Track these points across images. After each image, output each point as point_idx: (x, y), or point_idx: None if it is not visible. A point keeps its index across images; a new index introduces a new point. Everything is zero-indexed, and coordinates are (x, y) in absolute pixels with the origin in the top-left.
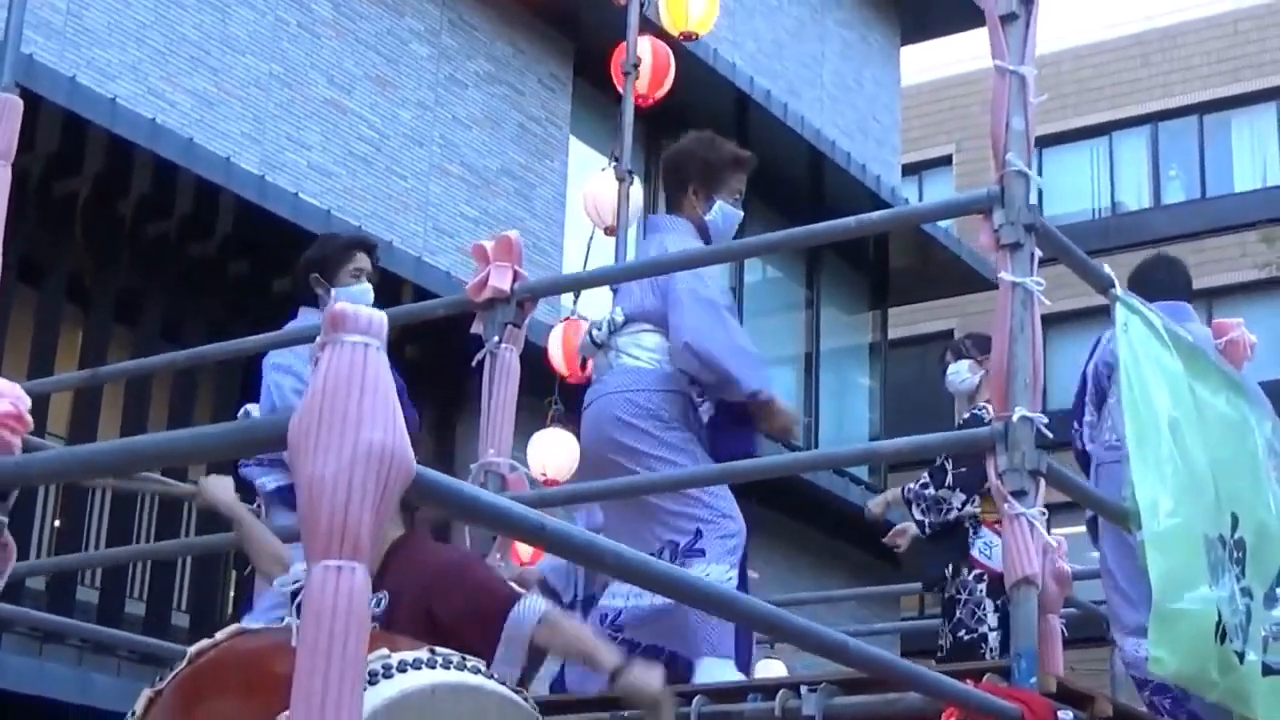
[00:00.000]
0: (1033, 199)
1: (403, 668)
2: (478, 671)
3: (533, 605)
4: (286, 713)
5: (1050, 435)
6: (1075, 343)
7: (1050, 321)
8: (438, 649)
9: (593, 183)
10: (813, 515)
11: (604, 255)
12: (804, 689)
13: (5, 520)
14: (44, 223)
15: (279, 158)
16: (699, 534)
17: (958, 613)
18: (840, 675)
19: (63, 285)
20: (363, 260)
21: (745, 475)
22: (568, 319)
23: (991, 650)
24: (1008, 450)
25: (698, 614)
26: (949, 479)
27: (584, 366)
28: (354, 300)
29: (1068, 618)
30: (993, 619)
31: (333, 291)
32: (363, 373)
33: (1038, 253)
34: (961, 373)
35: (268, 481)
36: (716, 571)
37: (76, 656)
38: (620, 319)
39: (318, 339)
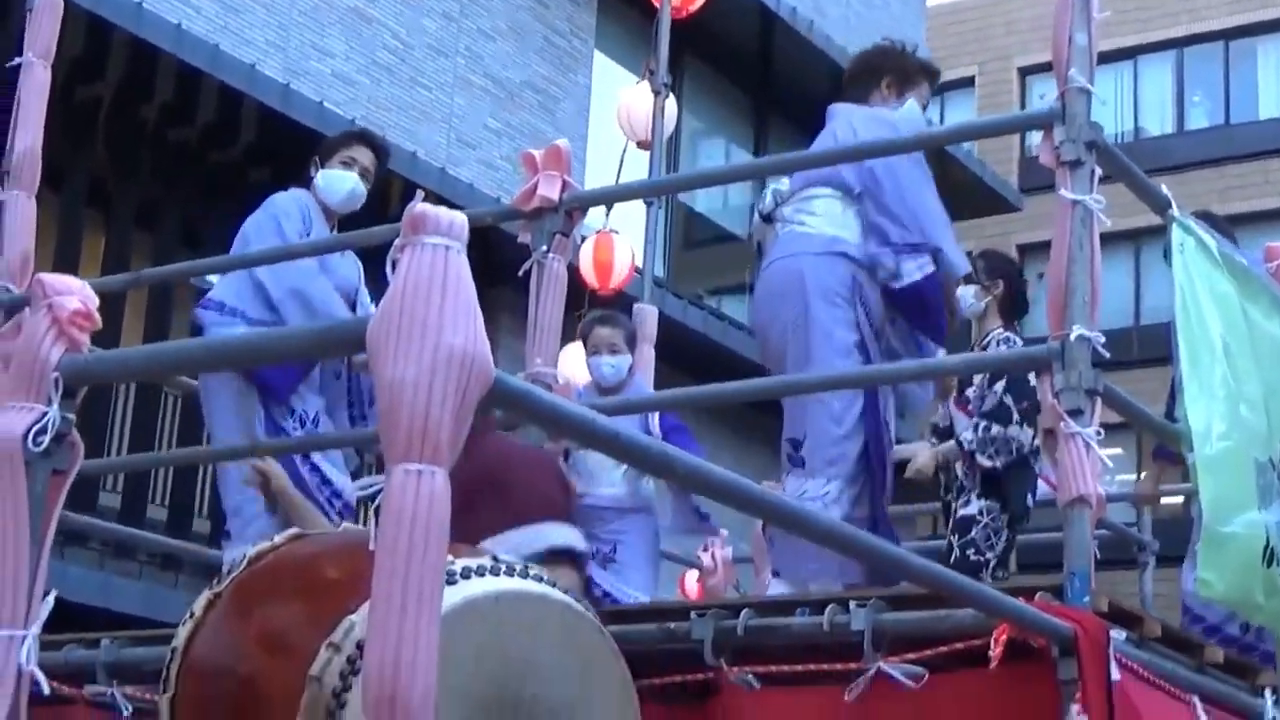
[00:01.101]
0: (1094, 116)
1: (466, 574)
2: (540, 580)
3: (552, 537)
4: (350, 616)
5: (1106, 355)
6: (1119, 264)
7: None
8: (500, 556)
9: (626, 96)
10: None
11: (637, 168)
12: (852, 604)
13: (73, 418)
14: (66, 128)
15: (303, 66)
16: (803, 438)
17: (974, 532)
18: (889, 591)
19: (84, 191)
20: (358, 151)
21: (803, 387)
22: (599, 233)
23: (992, 577)
24: (1064, 369)
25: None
26: (1015, 416)
27: (759, 251)
28: (330, 182)
29: (1099, 539)
30: (1001, 546)
31: (319, 172)
32: (443, 275)
33: (1098, 170)
34: (967, 298)
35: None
36: (813, 487)
37: (98, 560)
38: (785, 187)
39: (397, 241)
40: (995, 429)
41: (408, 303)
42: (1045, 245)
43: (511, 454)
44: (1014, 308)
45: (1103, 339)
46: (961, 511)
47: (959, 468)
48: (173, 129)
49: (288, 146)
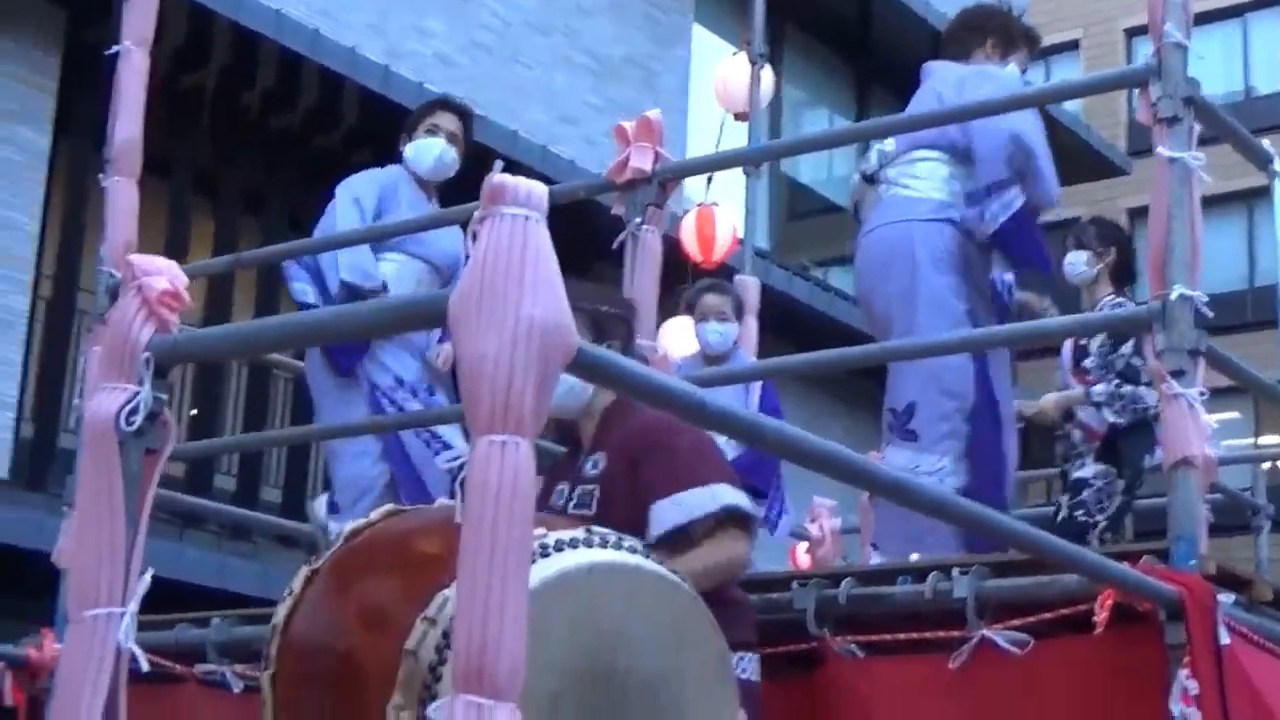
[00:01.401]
0: (1200, 74)
1: (559, 547)
2: (634, 551)
3: (725, 498)
4: (445, 590)
5: (1210, 315)
6: (1231, 226)
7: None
8: (594, 528)
9: (724, 67)
10: None
11: (736, 140)
12: (955, 571)
13: (165, 398)
14: (172, 116)
15: (403, 47)
16: (911, 411)
17: (1084, 494)
18: (992, 558)
19: (191, 178)
20: (441, 118)
21: (909, 353)
22: (701, 206)
23: (1099, 539)
24: (1165, 329)
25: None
26: (1144, 377)
27: (856, 212)
28: (418, 152)
29: (1213, 504)
30: (1113, 510)
31: (407, 145)
32: (523, 246)
33: (1196, 127)
34: (1079, 264)
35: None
36: (926, 462)
37: (215, 541)
38: (890, 148)
39: (476, 213)
40: (1126, 388)
41: (488, 275)
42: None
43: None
44: (1125, 274)
45: (1205, 298)
46: (1076, 474)
47: (1077, 435)
48: (275, 115)
49: (389, 129)
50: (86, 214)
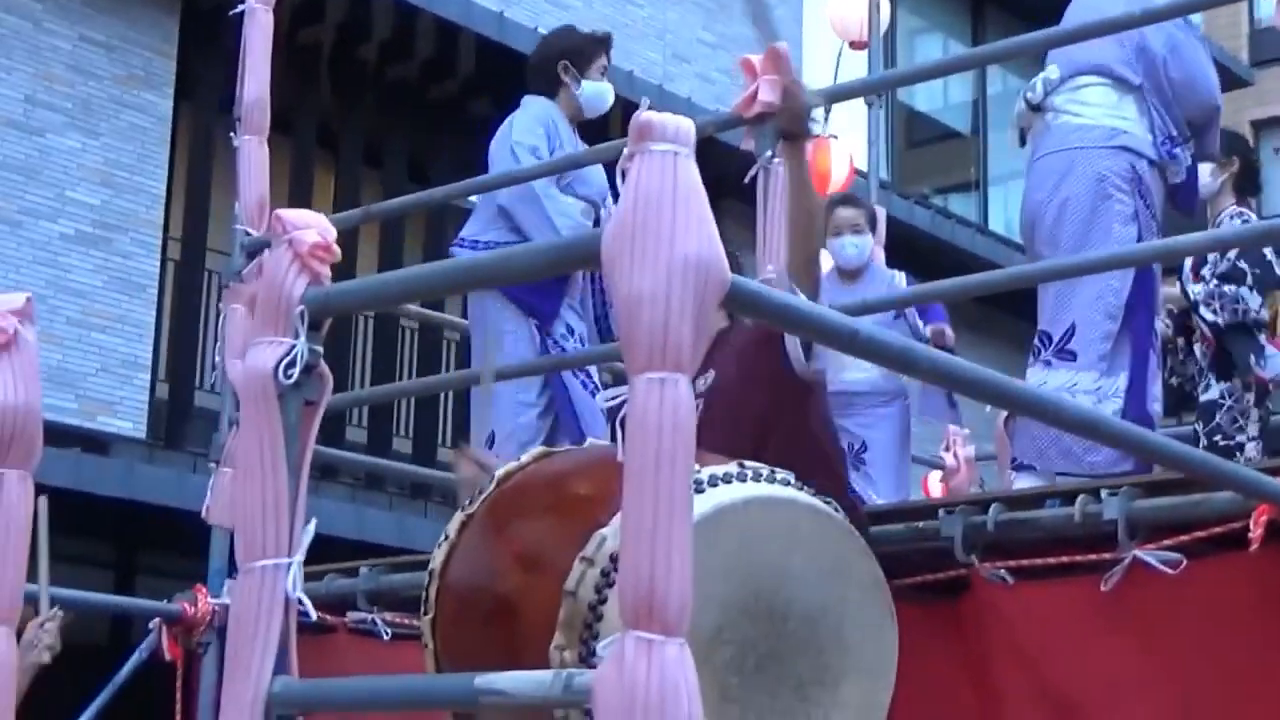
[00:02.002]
0: None
1: (714, 482)
2: (788, 484)
3: None
4: (602, 530)
5: None
6: None
7: None
8: (747, 462)
9: None
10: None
11: (853, 72)
12: (1104, 493)
13: (320, 350)
14: (291, 71)
15: None
16: (1071, 332)
17: (1218, 417)
18: (1142, 478)
19: (313, 132)
20: (606, 60)
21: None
22: (817, 138)
23: (1248, 460)
24: None
25: None
26: (1248, 279)
27: (1022, 141)
28: (600, 96)
29: None
30: (1254, 428)
31: (581, 83)
32: (674, 182)
33: None
34: (1203, 176)
35: None
36: (1085, 380)
37: (349, 493)
38: (1056, 75)
39: (625, 150)
40: (1227, 287)
41: (639, 213)
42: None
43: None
44: (1248, 185)
45: None
46: (1203, 398)
47: (1198, 350)
48: (392, 66)
49: (506, 76)
50: (211, 175)
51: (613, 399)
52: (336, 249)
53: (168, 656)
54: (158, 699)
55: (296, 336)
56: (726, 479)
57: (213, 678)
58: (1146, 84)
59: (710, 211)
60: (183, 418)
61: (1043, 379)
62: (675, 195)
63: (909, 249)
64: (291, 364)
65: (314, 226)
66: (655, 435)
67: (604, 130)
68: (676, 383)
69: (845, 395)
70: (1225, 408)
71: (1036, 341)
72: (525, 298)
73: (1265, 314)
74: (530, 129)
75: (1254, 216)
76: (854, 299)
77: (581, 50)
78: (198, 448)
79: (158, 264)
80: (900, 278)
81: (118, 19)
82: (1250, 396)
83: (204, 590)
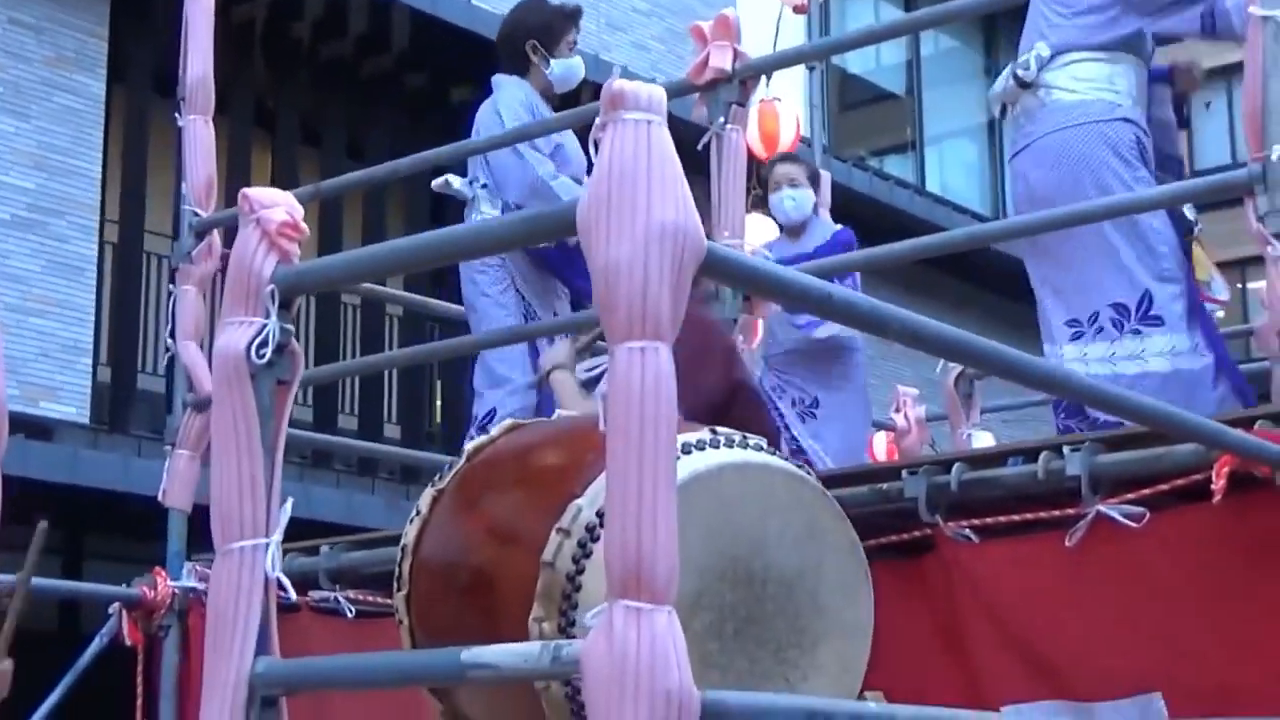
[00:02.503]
0: None
1: (687, 450)
2: (760, 449)
3: None
4: (578, 500)
5: None
6: None
7: None
8: (718, 429)
9: None
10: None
11: (788, 35)
12: (1067, 449)
13: (292, 329)
14: (225, 49)
15: None
16: (1149, 298)
17: None
18: (1103, 433)
19: (250, 111)
20: (575, 34)
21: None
22: (763, 102)
23: None
24: (1267, 191)
25: None
26: None
27: (1003, 113)
28: (571, 73)
29: None
30: None
31: (551, 62)
32: (648, 151)
33: None
34: None
35: None
36: (1180, 342)
37: (297, 472)
38: (1047, 53)
39: (597, 120)
40: None
41: (615, 182)
42: (1222, 70)
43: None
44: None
45: None
46: None
47: None
48: (326, 44)
49: (441, 49)
50: (148, 157)
51: (591, 369)
52: (305, 226)
53: (128, 641)
54: (115, 684)
55: (267, 316)
56: (700, 446)
57: (174, 661)
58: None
59: (684, 179)
60: (126, 401)
61: (1139, 348)
62: (650, 163)
63: (847, 212)
64: (264, 344)
65: (281, 204)
66: (638, 404)
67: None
68: (657, 350)
69: (796, 352)
70: None
71: (1114, 314)
72: (562, 271)
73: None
74: (514, 108)
75: None
76: (798, 253)
77: (550, 27)
78: (142, 431)
79: (95, 247)
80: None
81: (47, 1)
82: None
83: (163, 574)
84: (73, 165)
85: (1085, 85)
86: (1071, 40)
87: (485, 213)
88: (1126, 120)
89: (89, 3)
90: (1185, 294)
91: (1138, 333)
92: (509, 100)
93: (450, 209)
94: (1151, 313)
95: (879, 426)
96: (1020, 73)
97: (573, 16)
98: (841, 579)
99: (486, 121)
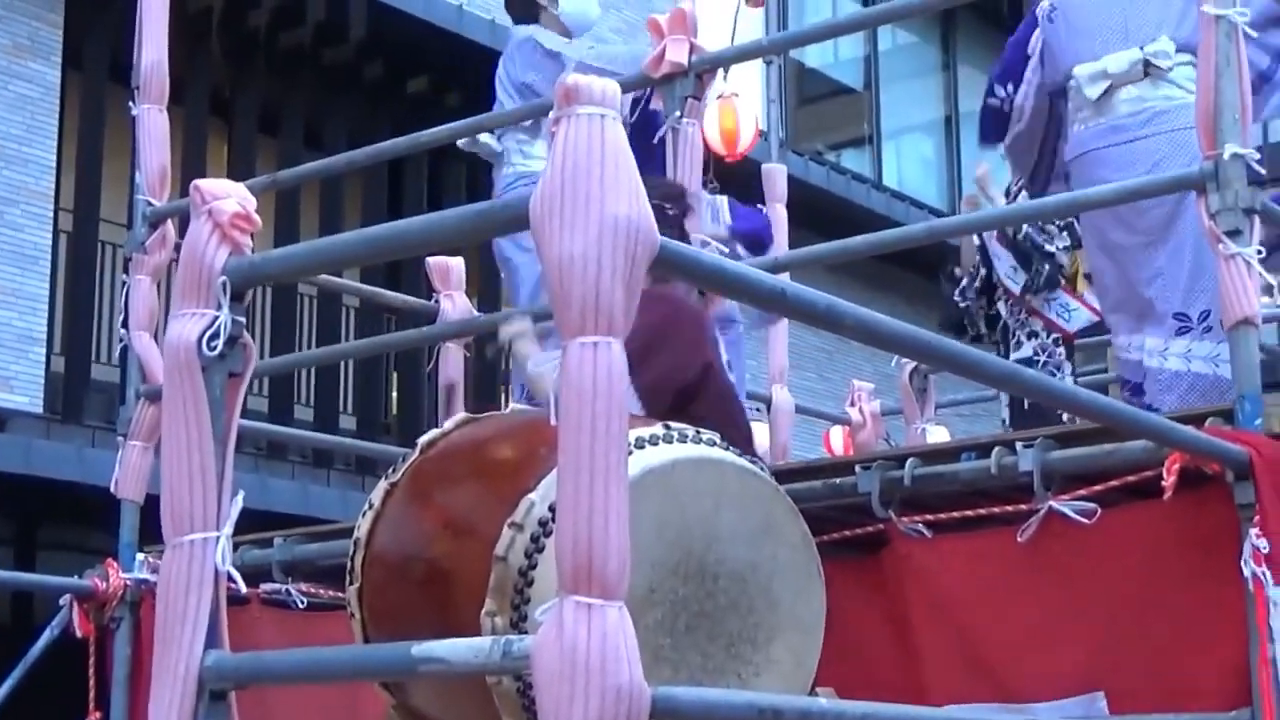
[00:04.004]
0: None
1: (640, 444)
2: (713, 444)
3: None
4: (531, 494)
5: (1262, 172)
6: None
7: None
8: (672, 424)
9: None
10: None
11: (746, 29)
12: (1019, 445)
13: (244, 321)
14: (182, 37)
15: None
16: (1209, 313)
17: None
18: (1056, 429)
19: (206, 100)
20: None
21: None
22: (721, 97)
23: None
24: (1219, 189)
25: None
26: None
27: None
28: (582, 10)
29: None
30: (1068, 381)
31: (559, 2)
32: (601, 145)
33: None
34: None
35: None
36: (1225, 351)
37: (251, 463)
38: (1171, 47)
39: (551, 114)
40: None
41: (568, 176)
42: None
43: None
44: None
45: (1257, 155)
46: (1016, 356)
47: (1002, 308)
48: (285, 32)
49: (399, 39)
50: (103, 145)
51: (542, 363)
52: (257, 218)
53: (79, 633)
54: (67, 676)
55: (219, 308)
56: (653, 440)
57: (125, 653)
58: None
59: (638, 173)
60: (80, 391)
61: (1197, 348)
62: (603, 157)
63: (804, 206)
64: (215, 336)
65: (233, 196)
66: (590, 399)
67: None
68: (609, 346)
69: None
70: (1040, 363)
71: (1175, 324)
72: None
73: (1066, 261)
74: (513, 74)
75: None
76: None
77: None
78: (96, 421)
79: (50, 236)
80: (721, 201)
81: None
82: (1061, 351)
83: (115, 565)
84: (27, 154)
85: (1186, 91)
86: (1191, 39)
87: (518, 166)
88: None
89: None
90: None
91: (1201, 336)
92: (519, 56)
93: (408, 200)
94: (1208, 324)
95: (834, 420)
96: (1158, 61)
97: None
98: (794, 574)
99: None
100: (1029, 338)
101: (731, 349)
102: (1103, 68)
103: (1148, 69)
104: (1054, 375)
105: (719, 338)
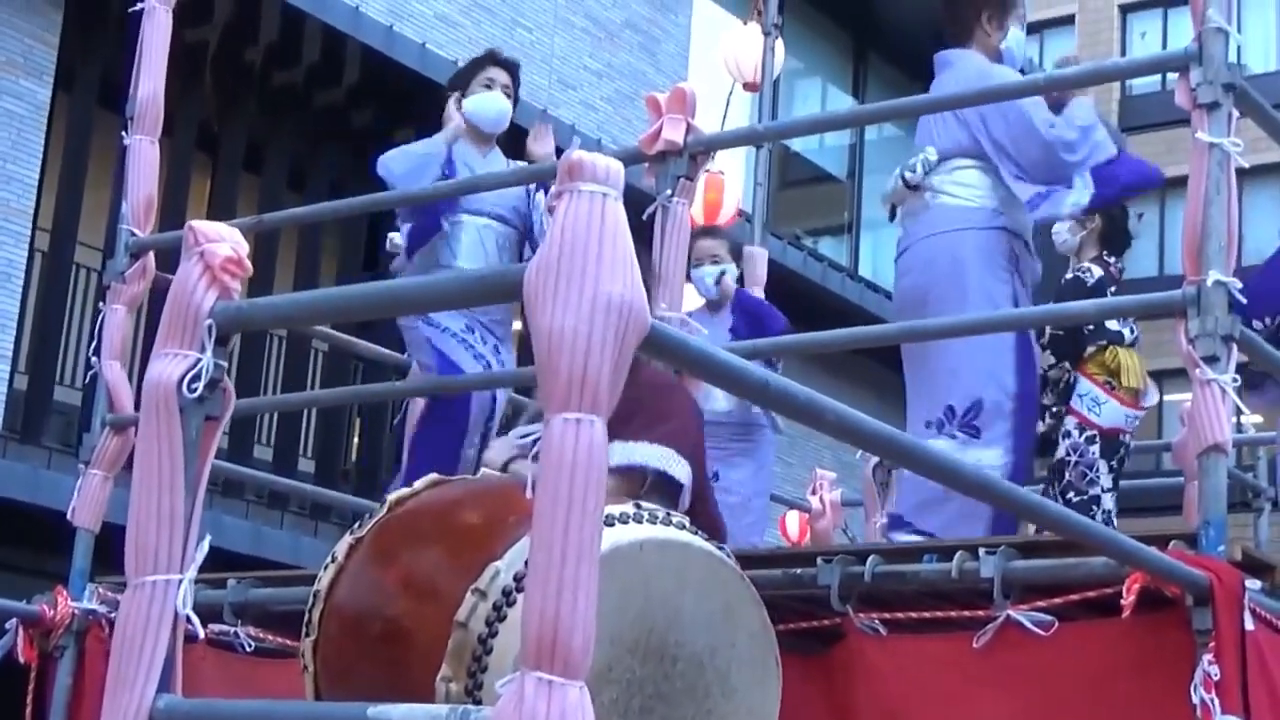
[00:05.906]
0: (1232, 57)
1: (610, 522)
2: (683, 527)
3: (636, 455)
4: (497, 562)
5: (1244, 301)
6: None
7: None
8: (643, 504)
9: (733, 38)
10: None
11: (735, 110)
12: (982, 551)
13: (225, 365)
14: (174, 71)
15: (406, 7)
16: (978, 408)
17: (1067, 475)
18: (1019, 538)
19: (193, 134)
20: (495, 72)
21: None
22: (709, 173)
23: (1106, 512)
24: (1200, 315)
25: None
26: (1045, 338)
27: (892, 215)
28: (482, 105)
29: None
30: (1106, 480)
31: (462, 101)
32: (600, 223)
33: (1235, 114)
34: (1061, 233)
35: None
36: (990, 457)
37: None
38: (934, 157)
39: (553, 188)
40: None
41: (565, 250)
42: None
43: (664, 384)
44: (1117, 238)
45: (1239, 285)
46: (1055, 457)
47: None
48: (278, 71)
49: (391, 88)
50: (87, 169)
51: (525, 436)
52: (248, 264)
53: (22, 659)
54: (5, 700)
55: (203, 350)
56: (623, 519)
57: (66, 683)
58: (994, 150)
59: (634, 254)
60: (41, 411)
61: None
62: (601, 235)
63: (779, 290)
64: (196, 378)
65: (227, 240)
66: (569, 476)
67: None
68: (592, 424)
69: (708, 425)
70: (1071, 464)
71: (940, 415)
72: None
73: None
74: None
75: (1099, 271)
76: (719, 328)
77: (461, 75)
78: (54, 443)
79: (25, 254)
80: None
81: None
82: (1095, 449)
83: (64, 592)
84: (10, 170)
85: (969, 191)
86: (959, 146)
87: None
88: (1005, 230)
89: (40, 8)
90: (1016, 410)
91: (954, 438)
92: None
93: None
94: (974, 422)
95: (793, 506)
96: (906, 174)
97: (482, 61)
98: (752, 663)
99: None
100: (1063, 438)
101: (754, 452)
102: None
103: (907, 185)
104: (1086, 475)
105: None
